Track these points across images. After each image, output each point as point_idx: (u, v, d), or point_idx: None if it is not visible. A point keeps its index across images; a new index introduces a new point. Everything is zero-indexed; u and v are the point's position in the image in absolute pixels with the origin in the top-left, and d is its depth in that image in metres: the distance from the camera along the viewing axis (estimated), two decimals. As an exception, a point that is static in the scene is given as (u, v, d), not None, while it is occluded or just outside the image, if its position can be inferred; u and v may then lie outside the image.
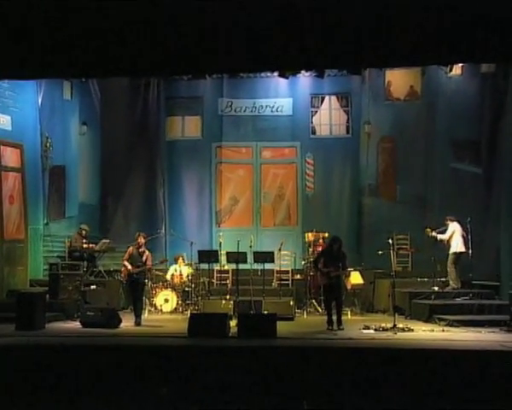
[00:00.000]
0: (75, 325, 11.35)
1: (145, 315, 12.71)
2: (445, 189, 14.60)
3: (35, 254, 13.97)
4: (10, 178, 13.35)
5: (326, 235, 14.20)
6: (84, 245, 14.03)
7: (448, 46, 8.97)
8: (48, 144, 14.22)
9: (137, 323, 11.56)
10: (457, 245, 12.98)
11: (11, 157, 13.40)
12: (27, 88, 13.73)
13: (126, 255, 11.93)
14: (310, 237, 14.73)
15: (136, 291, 11.94)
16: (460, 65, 14.08)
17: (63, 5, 9.05)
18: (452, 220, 13.13)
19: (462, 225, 12.99)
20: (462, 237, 12.93)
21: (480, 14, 8.56)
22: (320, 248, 13.72)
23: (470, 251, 12.71)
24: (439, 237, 13.11)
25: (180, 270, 13.92)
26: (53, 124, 14.55)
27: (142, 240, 11.92)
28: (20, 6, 9.08)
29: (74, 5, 9.05)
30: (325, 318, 11.37)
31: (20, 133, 13.64)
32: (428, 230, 13.09)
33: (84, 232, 14.21)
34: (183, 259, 14.10)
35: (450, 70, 14.45)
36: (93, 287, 13.22)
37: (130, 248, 11.99)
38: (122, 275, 12.39)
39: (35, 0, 9.13)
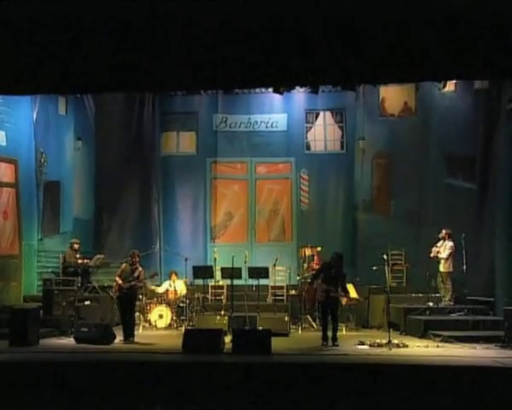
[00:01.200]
0: (69, 340, 11.30)
1: (139, 331, 12.67)
2: (440, 204, 14.62)
3: (29, 269, 13.90)
4: (4, 193, 13.29)
5: (319, 249, 14.22)
6: (79, 260, 13.99)
7: (441, 63, 9.04)
8: (42, 160, 14.20)
9: (127, 339, 11.44)
10: (451, 265, 13.06)
11: (5, 172, 13.36)
12: (22, 103, 13.71)
13: (119, 271, 11.90)
14: (305, 252, 14.73)
15: (125, 307, 11.79)
16: (453, 81, 14.14)
17: (57, 21, 9.08)
18: (449, 236, 13.14)
19: (452, 241, 13.06)
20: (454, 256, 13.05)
21: (473, 30, 8.62)
22: (315, 264, 13.71)
23: (465, 267, 12.71)
24: (440, 256, 13.15)
25: (174, 285, 13.89)
26: (48, 139, 14.53)
27: (136, 258, 11.88)
28: (15, 21, 9.10)
29: (69, 21, 9.07)
30: (320, 333, 11.35)
31: (15, 148, 13.61)
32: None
33: (76, 246, 14.15)
34: (176, 274, 14.07)
35: (444, 86, 14.53)
36: (87, 303, 13.18)
37: (124, 264, 11.96)
38: (113, 290, 12.36)
39: (29, 15, 9.14)
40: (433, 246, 13.28)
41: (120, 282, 11.67)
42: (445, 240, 13.20)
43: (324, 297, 11.31)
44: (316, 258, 14.33)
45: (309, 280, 12.50)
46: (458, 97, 14.59)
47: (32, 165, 14.07)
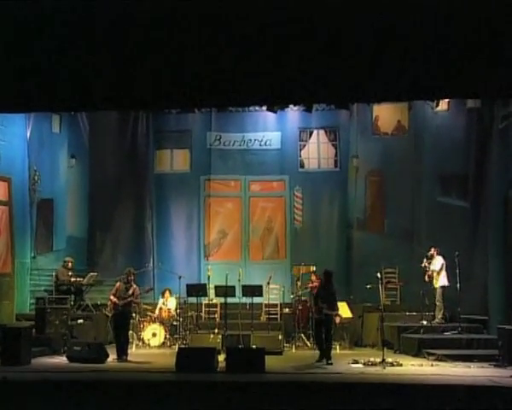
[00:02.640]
0: (62, 359, 11.22)
1: (132, 349, 12.61)
2: (433, 222, 14.65)
3: (22, 287, 13.83)
4: (-3, 211, 13.28)
5: (314, 268, 14.21)
6: (72, 279, 13.91)
7: (435, 82, 9.10)
8: (36, 177, 14.18)
9: (120, 357, 11.38)
10: (445, 279, 13.06)
11: (-2, 190, 13.36)
12: (16, 121, 13.72)
13: (113, 290, 11.83)
14: (298, 270, 14.73)
15: (119, 325, 11.73)
16: (446, 100, 14.24)
17: (51, 39, 9.11)
18: (439, 253, 13.20)
19: (445, 259, 13.08)
20: (446, 270, 13.05)
21: (466, 50, 8.69)
22: (311, 284, 13.71)
23: (458, 285, 12.72)
24: (432, 267, 13.16)
25: (167, 303, 13.84)
26: (41, 157, 14.53)
27: (131, 277, 11.84)
28: (9, 40, 9.13)
29: (62, 40, 9.11)
30: (314, 352, 11.32)
31: (8, 166, 13.58)
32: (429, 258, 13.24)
33: (69, 264, 14.09)
34: (169, 292, 14.02)
35: (437, 105, 14.62)
36: (80, 321, 13.08)
37: (118, 283, 11.90)
38: (108, 309, 12.29)
39: (23, 34, 9.17)
40: (421, 263, 13.31)
41: (115, 300, 11.62)
42: (433, 257, 13.23)
43: (317, 314, 11.31)
44: (313, 277, 14.28)
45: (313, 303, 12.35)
46: (451, 116, 14.68)
47: (25, 183, 14.05)
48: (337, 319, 13.06)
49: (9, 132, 13.66)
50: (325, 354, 11.10)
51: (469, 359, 10.90)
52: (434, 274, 13.20)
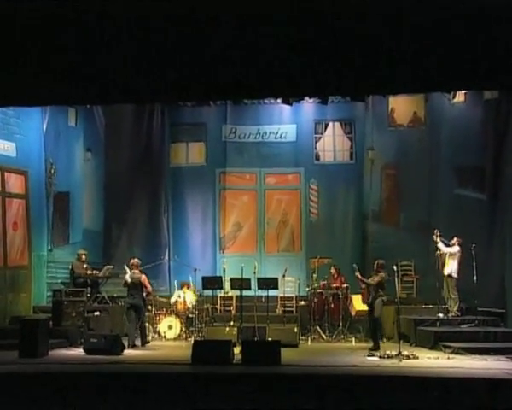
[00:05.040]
0: (78, 352, 11.28)
1: (149, 342, 12.69)
2: (449, 215, 14.54)
3: (39, 280, 13.95)
4: (14, 204, 13.37)
5: (326, 261, 14.26)
6: (88, 271, 14.00)
7: (451, 73, 9.04)
8: (52, 171, 14.26)
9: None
10: (454, 268, 12.99)
11: (15, 184, 13.44)
12: (32, 115, 13.80)
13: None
14: (314, 263, 14.74)
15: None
16: (463, 92, 14.13)
17: (65, 32, 9.14)
18: (460, 243, 13.09)
19: (462, 253, 13.00)
20: (459, 262, 12.97)
21: (482, 41, 8.62)
22: (334, 282, 13.94)
23: (475, 277, 12.65)
24: (443, 247, 13.09)
25: (184, 296, 13.88)
26: (57, 150, 14.60)
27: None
28: (23, 32, 9.16)
29: (78, 31, 9.13)
30: (329, 344, 11.34)
31: (25, 160, 13.69)
32: (437, 234, 13.11)
33: (83, 257, 14.16)
34: (188, 287, 14.06)
35: (454, 97, 14.49)
36: (96, 313, 13.19)
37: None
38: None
39: (38, 25, 9.20)
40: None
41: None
42: (453, 245, 13.15)
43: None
44: (333, 271, 14.33)
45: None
46: (468, 108, 14.54)
47: (41, 176, 14.14)
48: (352, 312, 13.14)
49: (26, 126, 13.75)
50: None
51: (486, 352, 10.83)
52: (446, 257, 13.07)
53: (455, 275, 13.03)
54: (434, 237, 13.15)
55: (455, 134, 14.68)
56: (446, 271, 13.09)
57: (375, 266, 11.95)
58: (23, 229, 13.57)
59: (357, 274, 12.05)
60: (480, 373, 9.10)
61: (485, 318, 12.82)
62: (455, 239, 13.13)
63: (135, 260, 12.79)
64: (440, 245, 13.15)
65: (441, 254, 13.17)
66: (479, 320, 12.59)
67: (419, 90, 12.99)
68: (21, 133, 13.61)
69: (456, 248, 13.03)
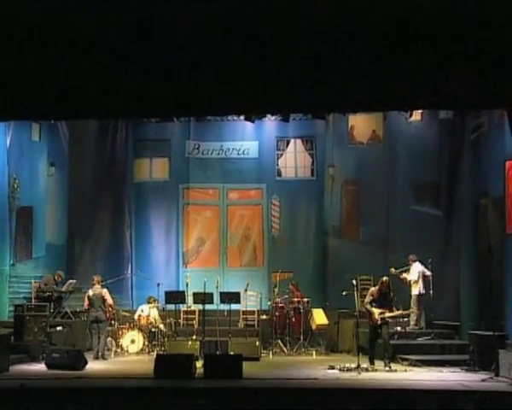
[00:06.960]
0: (40, 367, 11.27)
1: (111, 356, 12.73)
2: (407, 230, 14.89)
3: (0, 295, 13.80)
4: (-23, 218, 13.28)
5: (288, 275, 14.45)
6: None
7: (408, 93, 9.38)
8: (15, 185, 14.17)
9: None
10: (421, 287, 13.32)
11: (-22, 198, 13.36)
12: (-5, 129, 13.75)
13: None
14: (276, 277, 14.95)
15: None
16: (419, 111, 14.51)
17: (31, 47, 9.21)
18: (414, 260, 13.47)
19: (424, 265, 13.35)
20: (424, 278, 13.28)
21: (438, 62, 8.97)
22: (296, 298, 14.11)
23: (431, 291, 13.01)
24: (404, 275, 13.42)
25: (149, 311, 13.93)
26: (21, 165, 14.51)
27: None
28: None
29: (42, 47, 9.20)
30: (290, 358, 11.46)
31: (-12, 174, 13.62)
32: (393, 269, 13.37)
33: (59, 279, 14.31)
34: (154, 301, 14.13)
35: (411, 115, 14.77)
36: (59, 328, 13.15)
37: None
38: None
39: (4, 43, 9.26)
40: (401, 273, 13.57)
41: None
42: (410, 265, 13.50)
43: (377, 321, 11.49)
44: (292, 288, 14.55)
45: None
46: (424, 126, 14.99)
47: (4, 190, 14.00)
48: (313, 326, 13.33)
49: (-11, 141, 13.68)
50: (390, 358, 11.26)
51: (442, 364, 11.20)
52: (412, 283, 13.44)
53: (423, 291, 13.35)
54: (394, 274, 13.29)
55: (412, 152, 15.08)
56: (414, 292, 13.41)
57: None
58: (-15, 243, 13.47)
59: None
60: (436, 385, 9.35)
61: (441, 330, 13.17)
62: (410, 257, 13.50)
63: (96, 276, 13.03)
64: (404, 275, 13.50)
65: (408, 280, 13.54)
66: (435, 333, 12.93)
67: (377, 109, 13.32)
68: (-16, 148, 13.54)
69: (416, 271, 13.37)
